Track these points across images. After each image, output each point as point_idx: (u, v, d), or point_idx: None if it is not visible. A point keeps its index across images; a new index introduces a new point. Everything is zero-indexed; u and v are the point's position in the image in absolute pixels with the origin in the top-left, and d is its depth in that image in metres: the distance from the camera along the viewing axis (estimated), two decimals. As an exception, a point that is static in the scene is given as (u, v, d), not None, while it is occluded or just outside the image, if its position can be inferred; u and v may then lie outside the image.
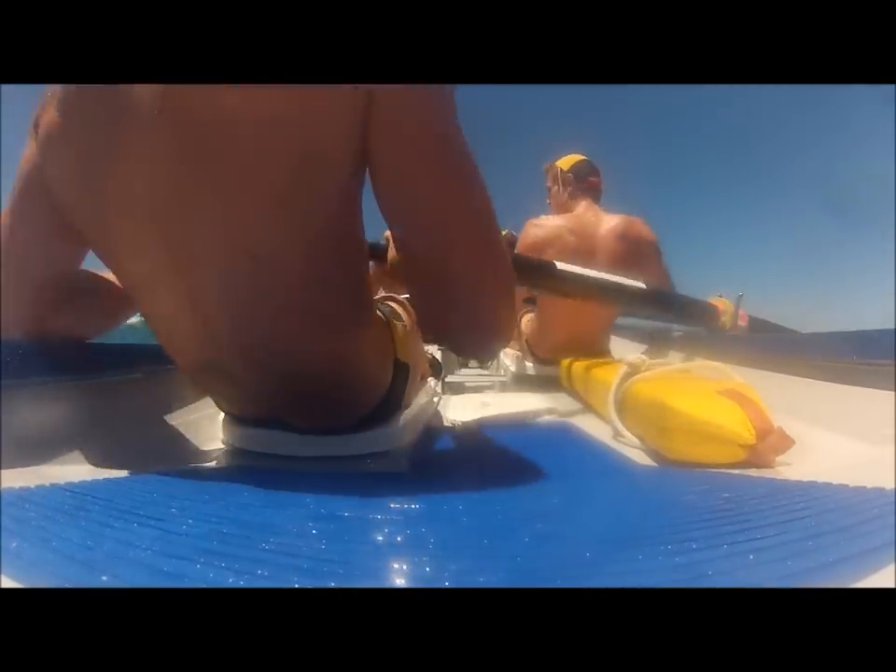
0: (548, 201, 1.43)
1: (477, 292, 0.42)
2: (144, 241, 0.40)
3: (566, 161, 1.34)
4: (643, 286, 0.99)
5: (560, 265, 0.90)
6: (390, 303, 0.66)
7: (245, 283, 0.40)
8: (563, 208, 1.33)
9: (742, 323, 1.09)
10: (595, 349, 1.30)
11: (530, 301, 1.72)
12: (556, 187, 1.35)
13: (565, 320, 1.29)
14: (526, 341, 1.54)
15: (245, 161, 0.36)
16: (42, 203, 0.44)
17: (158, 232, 0.39)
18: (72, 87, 0.39)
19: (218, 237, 0.39)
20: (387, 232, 0.67)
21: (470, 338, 0.48)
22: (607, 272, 0.97)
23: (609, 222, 1.23)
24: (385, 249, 0.67)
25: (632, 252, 1.20)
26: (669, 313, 1.04)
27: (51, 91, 0.41)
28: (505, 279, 0.44)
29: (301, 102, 0.34)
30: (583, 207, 1.28)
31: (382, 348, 0.53)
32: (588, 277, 0.92)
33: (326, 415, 0.53)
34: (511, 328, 0.50)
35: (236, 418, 0.60)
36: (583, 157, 1.34)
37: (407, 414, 0.77)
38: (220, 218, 0.38)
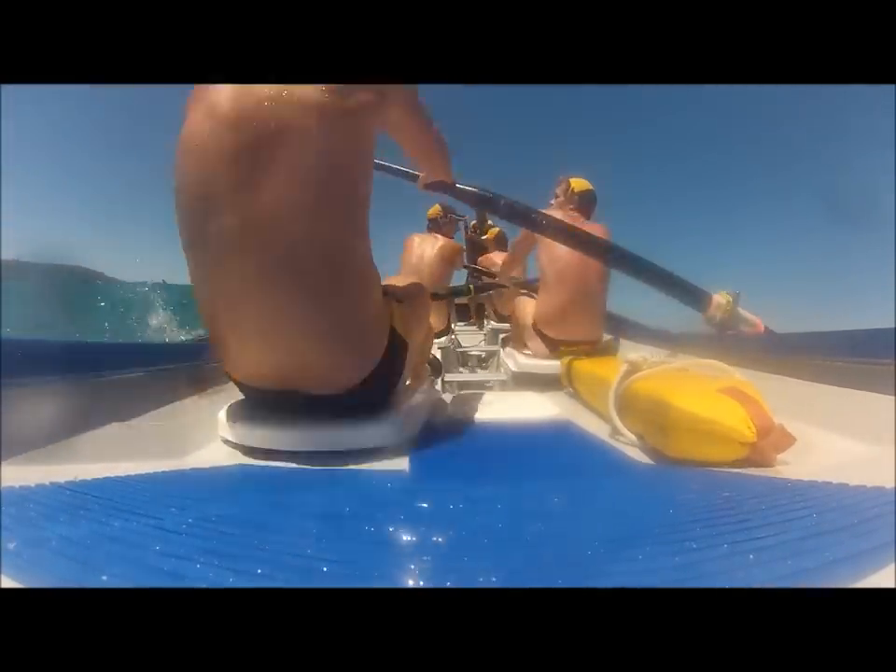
0: (551, 202, 1.78)
1: (433, 147, 1.00)
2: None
3: (578, 184, 1.71)
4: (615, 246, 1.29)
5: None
6: (399, 292, 0.84)
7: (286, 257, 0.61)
8: (561, 212, 1.70)
9: (752, 318, 1.12)
10: (594, 313, 1.66)
11: (529, 290, 1.86)
12: (563, 198, 1.72)
13: (564, 287, 1.63)
14: (534, 325, 1.70)
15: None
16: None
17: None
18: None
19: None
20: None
21: (434, 162, 1.09)
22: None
23: (590, 225, 1.68)
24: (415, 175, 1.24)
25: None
26: (655, 281, 1.23)
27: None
28: (439, 141, 1.00)
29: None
30: (576, 216, 1.68)
31: (380, 319, 0.71)
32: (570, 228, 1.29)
33: (328, 374, 0.67)
34: (444, 154, 1.08)
35: (249, 392, 0.74)
36: (591, 188, 1.71)
37: (406, 410, 0.77)
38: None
